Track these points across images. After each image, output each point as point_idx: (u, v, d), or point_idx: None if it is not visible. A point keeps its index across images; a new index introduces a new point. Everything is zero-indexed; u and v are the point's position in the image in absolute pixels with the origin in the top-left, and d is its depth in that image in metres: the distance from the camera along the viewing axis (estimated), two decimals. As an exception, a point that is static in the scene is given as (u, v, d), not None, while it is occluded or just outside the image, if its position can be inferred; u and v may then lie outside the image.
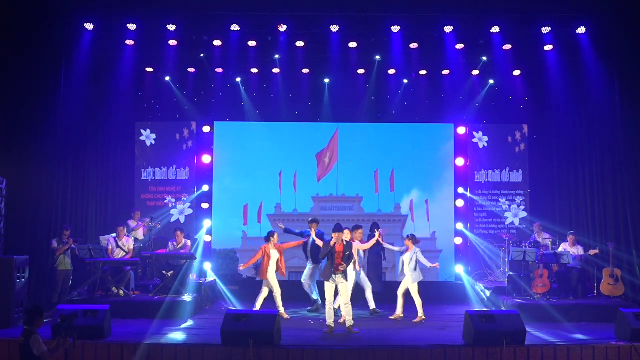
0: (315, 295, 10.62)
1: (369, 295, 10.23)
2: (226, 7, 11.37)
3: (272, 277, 9.86)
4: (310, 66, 13.00)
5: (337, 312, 9.37)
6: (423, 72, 13.19)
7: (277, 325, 7.71)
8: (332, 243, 8.75)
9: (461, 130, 13.51)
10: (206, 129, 13.46)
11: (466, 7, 11.35)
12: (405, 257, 9.90)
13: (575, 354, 7.56)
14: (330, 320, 8.76)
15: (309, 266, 10.64)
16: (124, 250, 10.90)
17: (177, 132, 13.44)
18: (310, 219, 10.68)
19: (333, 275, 8.76)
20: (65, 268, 10.55)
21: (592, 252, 10.77)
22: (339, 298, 9.23)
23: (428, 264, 10.02)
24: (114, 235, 11.02)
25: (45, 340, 6.26)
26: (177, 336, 8.41)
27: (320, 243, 9.52)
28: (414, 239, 9.94)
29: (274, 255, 9.89)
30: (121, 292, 10.47)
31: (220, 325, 7.70)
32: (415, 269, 9.80)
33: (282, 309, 9.81)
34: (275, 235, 10.04)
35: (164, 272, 10.58)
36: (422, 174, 13.42)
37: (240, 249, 13.22)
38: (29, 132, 10.97)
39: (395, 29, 11.58)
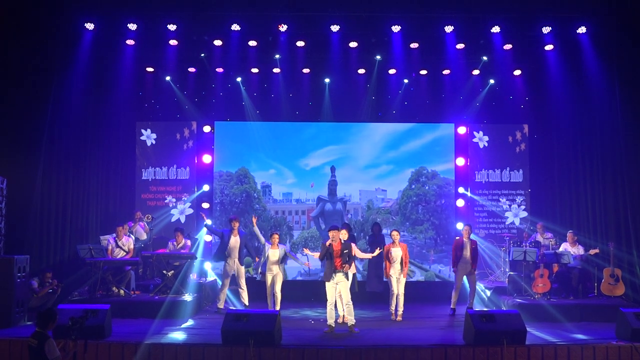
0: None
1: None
2: (226, 7, 11.36)
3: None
4: (310, 66, 13.00)
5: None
6: (423, 72, 13.20)
7: (278, 325, 7.71)
8: (327, 243, 8.75)
9: (461, 130, 13.50)
10: (206, 128, 13.46)
11: (466, 7, 11.34)
12: (272, 253, 10.09)
13: (575, 353, 7.55)
14: (330, 320, 8.76)
15: (242, 267, 10.53)
16: (124, 250, 10.88)
17: (177, 132, 13.44)
18: (230, 217, 10.82)
19: (333, 275, 8.76)
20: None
21: (592, 251, 10.77)
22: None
23: (298, 262, 10.51)
24: (114, 235, 11.01)
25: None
26: (177, 336, 8.41)
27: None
28: (279, 237, 10.35)
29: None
30: (121, 291, 10.47)
31: (221, 325, 7.70)
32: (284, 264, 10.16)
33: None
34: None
35: (164, 271, 10.58)
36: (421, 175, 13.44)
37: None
38: (29, 132, 10.96)
39: (396, 28, 11.58)
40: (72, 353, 6.16)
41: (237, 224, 10.57)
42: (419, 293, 12.28)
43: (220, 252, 10.56)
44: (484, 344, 7.55)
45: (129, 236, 11.19)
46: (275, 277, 10.11)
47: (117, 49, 12.04)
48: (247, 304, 10.45)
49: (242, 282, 10.53)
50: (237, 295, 10.74)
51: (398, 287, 9.86)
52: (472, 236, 10.60)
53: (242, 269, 10.54)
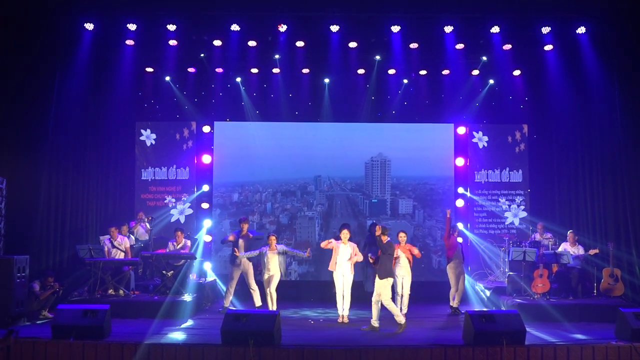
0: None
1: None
2: (226, 7, 11.37)
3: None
4: (310, 66, 12.99)
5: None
6: (423, 72, 13.20)
7: (277, 325, 7.71)
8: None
9: (461, 130, 13.51)
10: (206, 129, 13.46)
11: (466, 7, 11.34)
12: (271, 254, 10.07)
13: (575, 353, 7.55)
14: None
15: (250, 268, 10.56)
16: (120, 250, 10.86)
17: (177, 132, 13.44)
18: (240, 218, 10.87)
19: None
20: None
21: (592, 251, 10.78)
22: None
23: (299, 254, 10.43)
24: (109, 236, 10.99)
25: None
26: (177, 336, 8.42)
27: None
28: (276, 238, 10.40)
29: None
30: (121, 292, 10.46)
31: (220, 325, 7.70)
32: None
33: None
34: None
35: (164, 272, 10.58)
36: (421, 174, 13.42)
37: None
38: (29, 132, 10.97)
39: (395, 29, 11.58)
40: (6, 346, 6.47)
41: (246, 225, 10.60)
42: (419, 293, 12.28)
43: (233, 255, 10.53)
44: (483, 344, 7.55)
45: (124, 236, 11.17)
46: (271, 277, 10.11)
47: (116, 49, 12.03)
48: (259, 304, 10.45)
49: (252, 283, 10.54)
50: (236, 294, 10.74)
51: (403, 287, 9.92)
52: (467, 233, 10.68)
53: (251, 270, 10.54)
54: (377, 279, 8.91)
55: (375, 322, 8.89)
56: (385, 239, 8.96)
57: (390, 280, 8.94)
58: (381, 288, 8.86)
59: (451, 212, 10.88)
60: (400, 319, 8.85)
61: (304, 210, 13.48)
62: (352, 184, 13.56)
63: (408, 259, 9.98)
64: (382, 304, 8.95)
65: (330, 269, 9.79)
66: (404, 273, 9.98)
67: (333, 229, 13.24)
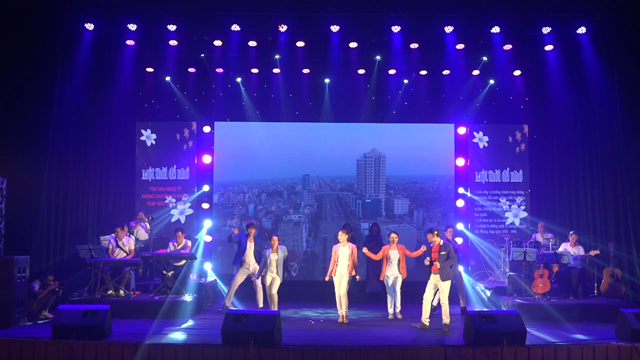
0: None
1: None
2: (226, 7, 11.37)
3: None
4: (310, 66, 13.00)
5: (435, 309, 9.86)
6: (423, 72, 13.20)
7: (277, 325, 7.70)
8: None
9: (461, 130, 13.51)
10: (206, 129, 13.46)
11: (466, 7, 11.35)
12: (273, 256, 10.04)
13: (575, 354, 7.54)
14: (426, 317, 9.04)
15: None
16: (124, 251, 10.85)
17: (177, 132, 13.43)
18: (248, 222, 10.89)
19: (432, 275, 9.03)
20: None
21: (592, 252, 10.76)
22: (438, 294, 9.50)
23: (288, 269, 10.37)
24: (114, 235, 11.00)
25: None
26: (177, 336, 8.41)
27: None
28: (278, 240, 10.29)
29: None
30: (121, 292, 10.46)
31: (221, 325, 7.70)
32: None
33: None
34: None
35: (164, 272, 10.58)
36: (422, 174, 13.42)
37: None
38: (29, 132, 10.97)
39: (396, 29, 11.58)
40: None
41: (253, 230, 10.63)
42: (419, 293, 12.28)
43: (239, 256, 10.54)
44: (484, 344, 7.54)
45: (129, 236, 11.17)
46: (274, 279, 10.10)
47: (117, 49, 12.05)
48: (261, 305, 10.48)
49: (259, 282, 10.53)
50: (236, 295, 10.75)
51: (395, 286, 9.91)
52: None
53: (257, 271, 10.52)
54: (438, 279, 8.95)
55: (426, 321, 8.99)
56: (438, 240, 9.05)
57: (450, 282, 9.04)
58: (442, 288, 8.99)
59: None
60: (447, 320, 8.96)
61: (290, 212, 13.33)
62: (342, 183, 13.44)
63: (400, 259, 9.97)
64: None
65: (331, 274, 9.75)
66: (395, 273, 9.97)
67: (323, 233, 13.16)
